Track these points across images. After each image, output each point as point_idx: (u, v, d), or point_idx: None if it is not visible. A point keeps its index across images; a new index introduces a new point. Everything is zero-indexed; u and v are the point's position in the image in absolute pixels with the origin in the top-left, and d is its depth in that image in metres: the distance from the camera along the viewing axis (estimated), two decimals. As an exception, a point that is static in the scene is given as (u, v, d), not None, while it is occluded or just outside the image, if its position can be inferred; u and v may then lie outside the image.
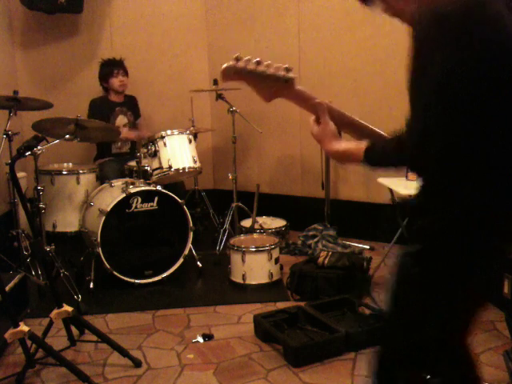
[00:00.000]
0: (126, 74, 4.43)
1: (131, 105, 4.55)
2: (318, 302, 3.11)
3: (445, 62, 1.19)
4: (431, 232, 1.30)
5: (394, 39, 3.62)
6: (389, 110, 3.93)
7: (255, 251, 3.59)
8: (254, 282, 3.60)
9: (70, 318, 2.68)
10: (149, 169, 3.80)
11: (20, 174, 3.99)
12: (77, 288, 3.35)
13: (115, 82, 4.38)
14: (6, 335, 2.36)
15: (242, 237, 3.91)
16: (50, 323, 2.68)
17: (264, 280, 3.60)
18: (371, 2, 1.37)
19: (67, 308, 2.64)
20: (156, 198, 3.64)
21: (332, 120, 1.51)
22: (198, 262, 3.82)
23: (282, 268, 3.73)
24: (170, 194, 3.65)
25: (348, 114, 1.52)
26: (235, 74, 1.39)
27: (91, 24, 4.83)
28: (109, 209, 3.47)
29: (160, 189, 3.64)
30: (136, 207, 3.59)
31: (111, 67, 4.38)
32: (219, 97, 4.21)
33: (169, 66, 5.02)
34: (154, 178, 3.77)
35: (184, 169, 3.80)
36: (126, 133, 4.34)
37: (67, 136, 3.27)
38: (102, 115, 4.01)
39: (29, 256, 3.62)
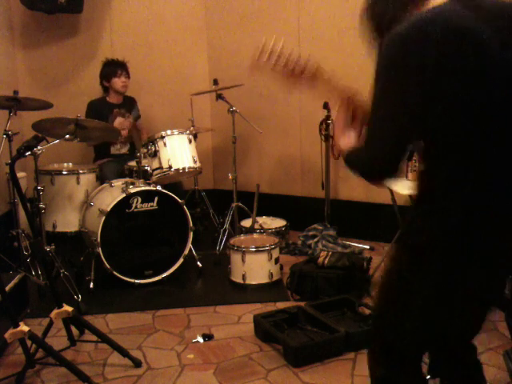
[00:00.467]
0: (128, 76, 4.43)
1: (130, 106, 4.54)
2: (318, 302, 3.11)
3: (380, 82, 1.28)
4: (431, 232, 1.30)
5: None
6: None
7: (255, 251, 3.59)
8: (253, 282, 3.60)
9: (70, 318, 2.68)
10: (149, 169, 3.80)
11: (20, 174, 3.99)
12: (77, 288, 3.35)
13: (118, 82, 4.38)
14: (6, 335, 2.36)
15: (242, 237, 3.91)
16: (50, 323, 2.68)
17: (264, 280, 3.60)
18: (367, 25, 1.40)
19: (67, 308, 2.64)
20: (156, 198, 3.64)
21: (355, 114, 1.54)
22: (198, 262, 3.82)
23: (281, 268, 3.73)
24: (170, 194, 3.65)
25: None
26: (266, 57, 1.51)
27: (91, 24, 4.83)
28: (109, 209, 3.47)
29: (160, 189, 3.64)
30: (136, 207, 3.59)
31: (115, 67, 4.38)
32: (219, 97, 4.21)
33: (169, 66, 5.02)
34: (154, 178, 3.77)
35: (184, 169, 3.80)
36: (119, 123, 4.32)
37: (67, 136, 3.26)
38: (100, 117, 4.01)
39: (29, 256, 3.62)
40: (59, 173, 3.98)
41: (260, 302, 3.37)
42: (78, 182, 3.97)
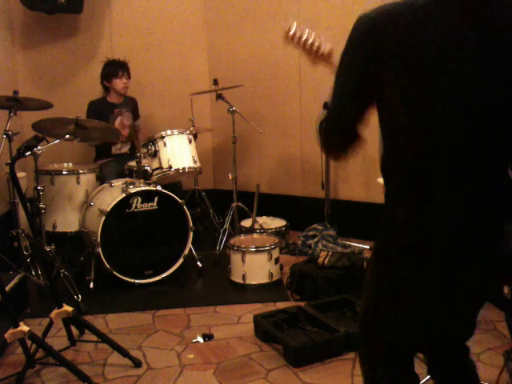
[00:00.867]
0: (129, 76, 4.43)
1: (130, 106, 4.55)
2: (318, 302, 3.12)
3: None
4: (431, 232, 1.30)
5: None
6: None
7: (255, 251, 3.59)
8: (253, 282, 3.60)
9: (70, 318, 2.68)
10: (149, 169, 3.80)
11: (20, 174, 3.99)
12: (77, 288, 3.35)
13: (118, 83, 4.37)
14: (6, 335, 2.36)
15: (242, 237, 3.91)
16: (50, 323, 2.68)
17: (264, 280, 3.60)
18: None
19: (67, 308, 2.64)
20: (156, 198, 3.64)
21: None
22: (198, 262, 3.82)
23: (281, 268, 3.73)
24: (170, 194, 3.65)
25: None
26: (292, 39, 1.63)
27: (91, 24, 4.83)
28: (109, 209, 3.47)
29: (160, 189, 3.64)
30: (136, 207, 3.59)
31: (116, 68, 4.37)
32: (219, 97, 4.21)
33: (169, 66, 5.02)
34: (154, 178, 3.76)
35: (184, 169, 3.80)
36: (119, 124, 4.33)
37: (67, 136, 3.26)
38: (101, 117, 4.01)
39: (29, 256, 3.62)
40: (59, 173, 3.98)
41: (260, 302, 3.37)
42: (78, 182, 3.97)
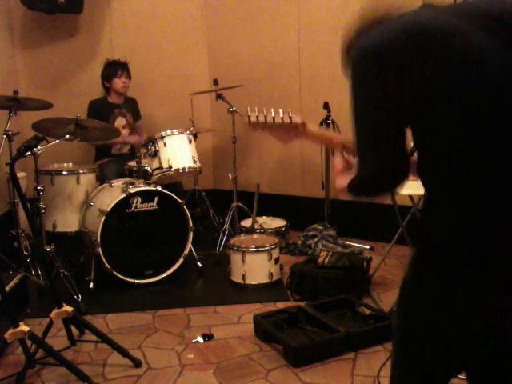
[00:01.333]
0: (129, 76, 4.44)
1: (131, 106, 4.55)
2: (318, 302, 3.12)
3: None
4: (432, 234, 1.30)
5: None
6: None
7: (255, 251, 3.59)
8: (254, 282, 3.60)
9: (70, 318, 2.68)
10: (149, 169, 3.80)
11: (20, 174, 3.99)
12: (77, 288, 3.35)
13: (118, 83, 4.38)
14: (6, 335, 2.36)
15: (242, 237, 3.91)
16: (50, 323, 2.68)
17: (264, 280, 3.60)
18: None
19: (67, 308, 2.64)
20: (156, 198, 3.64)
21: (351, 152, 1.56)
22: (198, 262, 3.82)
23: (281, 268, 3.73)
24: (170, 194, 3.65)
25: None
26: (253, 126, 1.57)
27: (91, 24, 4.83)
28: (109, 209, 3.47)
29: (160, 189, 3.64)
30: (136, 207, 3.59)
31: (116, 68, 4.39)
32: (219, 97, 4.21)
33: (169, 66, 5.02)
34: (154, 178, 3.76)
35: (184, 169, 3.80)
36: (125, 136, 4.34)
37: (67, 136, 3.26)
38: (101, 117, 4.02)
39: (29, 256, 3.61)
40: (59, 173, 3.98)
41: (260, 302, 3.37)
42: (78, 182, 3.97)
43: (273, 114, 1.55)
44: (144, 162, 3.84)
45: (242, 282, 3.61)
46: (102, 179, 4.09)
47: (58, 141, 3.28)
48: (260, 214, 4.44)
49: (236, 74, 4.82)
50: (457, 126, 1.25)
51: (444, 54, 1.22)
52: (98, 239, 3.45)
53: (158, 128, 4.18)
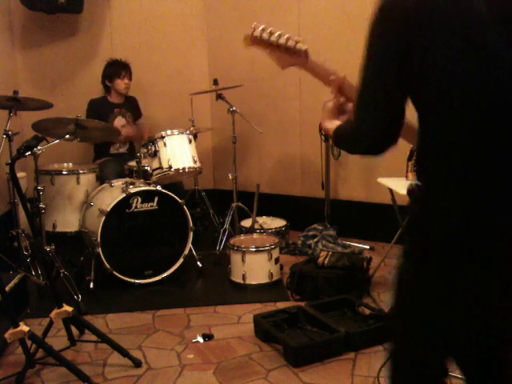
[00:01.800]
0: (130, 77, 4.44)
1: (131, 106, 4.55)
2: (318, 302, 3.12)
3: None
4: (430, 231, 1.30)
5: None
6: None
7: (255, 251, 3.59)
8: (254, 282, 3.60)
9: (70, 318, 2.68)
10: (149, 169, 3.80)
11: (20, 174, 3.99)
12: (77, 288, 3.35)
13: (120, 84, 4.39)
14: (6, 335, 2.36)
15: (242, 237, 3.91)
16: (50, 323, 2.68)
17: (264, 280, 3.60)
18: None
19: (67, 308, 2.64)
20: (156, 198, 3.64)
21: (346, 96, 1.54)
22: (198, 262, 3.81)
23: (281, 268, 3.73)
24: (170, 194, 3.65)
25: None
26: (253, 41, 1.54)
27: (91, 24, 4.83)
28: (109, 209, 3.47)
29: (160, 189, 3.64)
30: (136, 207, 3.59)
31: (119, 69, 4.39)
32: (219, 97, 4.21)
33: (169, 66, 5.02)
34: (154, 178, 3.76)
35: (184, 169, 3.80)
36: (125, 131, 4.33)
37: (67, 136, 3.27)
38: (101, 116, 4.02)
39: (29, 256, 3.61)
40: (59, 173, 3.98)
41: (260, 302, 3.37)
42: (78, 182, 3.97)
43: (278, 33, 1.51)
44: (144, 162, 3.84)
45: (242, 281, 3.61)
46: (101, 179, 4.08)
47: (57, 141, 3.28)
48: (260, 214, 4.44)
49: (236, 74, 4.82)
50: (457, 126, 1.25)
51: (444, 54, 1.22)
52: (98, 239, 3.45)
53: (158, 128, 4.17)
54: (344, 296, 3.17)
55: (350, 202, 4.54)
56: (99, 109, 4.32)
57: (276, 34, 1.50)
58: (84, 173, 4.01)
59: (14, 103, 3.52)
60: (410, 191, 1.39)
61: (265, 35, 1.51)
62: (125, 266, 3.55)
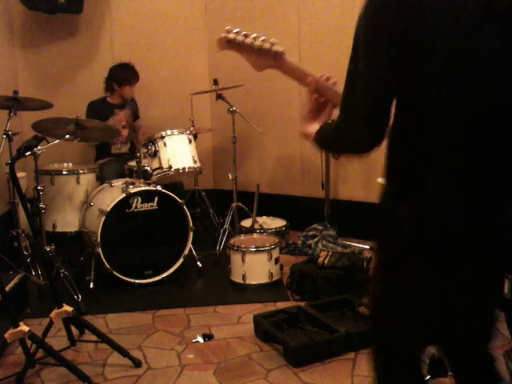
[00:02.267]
0: (137, 82, 4.45)
1: (130, 107, 4.54)
2: (318, 302, 3.12)
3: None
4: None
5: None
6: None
7: (255, 251, 3.59)
8: (254, 282, 3.60)
9: (70, 318, 2.68)
10: (149, 169, 3.81)
11: (20, 174, 3.99)
12: (77, 288, 3.35)
13: (129, 92, 4.40)
14: (6, 335, 2.36)
15: (242, 237, 3.91)
16: (50, 323, 2.68)
17: (264, 280, 3.60)
18: None
19: (67, 308, 2.64)
20: (156, 198, 3.64)
21: (324, 97, 1.52)
22: (198, 262, 3.81)
23: (281, 268, 3.73)
24: (170, 194, 3.65)
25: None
26: (227, 44, 1.51)
27: (91, 24, 4.83)
28: (109, 209, 3.47)
29: (160, 189, 3.64)
30: (136, 207, 3.59)
31: (131, 76, 4.38)
32: (219, 97, 4.21)
33: (169, 66, 5.02)
34: (154, 178, 3.76)
35: (184, 169, 3.80)
36: (116, 120, 4.30)
37: (67, 136, 3.26)
38: (100, 117, 4.01)
39: (29, 256, 3.61)
40: (59, 173, 3.98)
41: (260, 302, 3.37)
42: (78, 182, 3.97)
43: (253, 35, 1.47)
44: (144, 162, 3.84)
45: (242, 282, 3.61)
46: (101, 179, 4.09)
47: (57, 141, 3.28)
48: (260, 214, 4.44)
49: (236, 74, 4.81)
50: (457, 126, 1.25)
51: (443, 55, 1.22)
52: (98, 239, 3.45)
53: (158, 128, 4.17)
54: (344, 296, 3.17)
55: (350, 202, 4.54)
56: (99, 110, 4.32)
57: (251, 37, 1.47)
58: (84, 173, 4.02)
59: (14, 103, 3.52)
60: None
61: (239, 38, 1.48)
62: (125, 266, 3.55)
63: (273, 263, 3.61)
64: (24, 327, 2.37)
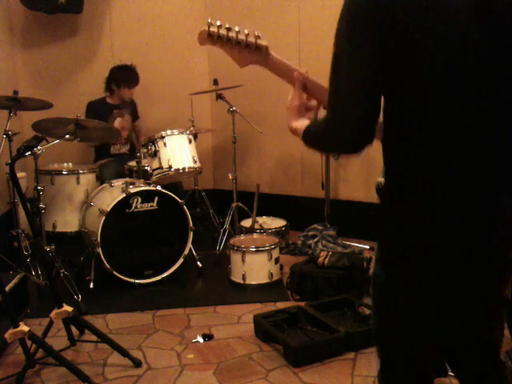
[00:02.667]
0: (137, 85, 4.43)
1: (129, 107, 4.55)
2: (318, 302, 3.12)
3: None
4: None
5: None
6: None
7: (255, 251, 3.59)
8: (254, 282, 3.60)
9: (70, 318, 2.68)
10: (149, 169, 3.81)
11: (20, 174, 3.99)
12: (77, 288, 3.35)
13: (127, 93, 4.39)
14: (6, 335, 2.36)
15: (242, 237, 3.91)
16: (50, 323, 2.68)
17: (264, 280, 3.60)
18: None
19: (67, 308, 2.64)
20: (156, 198, 3.64)
21: (310, 93, 1.48)
22: (198, 262, 3.81)
23: (281, 268, 3.73)
24: (170, 194, 3.65)
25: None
26: (209, 38, 1.41)
27: (91, 24, 4.83)
28: (109, 209, 3.47)
29: (160, 189, 3.64)
30: (136, 207, 3.59)
31: (130, 78, 4.36)
32: (219, 97, 4.21)
33: (169, 66, 5.02)
34: (154, 178, 3.76)
35: (184, 169, 3.80)
36: (118, 123, 4.31)
37: (67, 136, 3.27)
38: (99, 118, 4.01)
39: (29, 256, 3.61)
40: (59, 173, 3.98)
41: (260, 302, 3.37)
42: (78, 182, 3.97)
43: (237, 29, 1.40)
44: (144, 162, 3.85)
45: (242, 282, 3.61)
46: (101, 179, 4.09)
47: (57, 141, 3.28)
48: (260, 214, 4.44)
49: (236, 74, 4.79)
50: (457, 127, 1.25)
51: (444, 53, 1.22)
52: (98, 239, 3.45)
53: (158, 128, 4.18)
54: (344, 296, 3.17)
55: (350, 202, 4.54)
56: (98, 110, 4.32)
57: (234, 30, 1.40)
58: (84, 173, 4.02)
59: (14, 103, 3.52)
60: (379, 190, 1.36)
61: (222, 31, 1.39)
62: (125, 266, 3.55)
63: (273, 263, 3.61)
64: (24, 327, 2.37)
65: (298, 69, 1.48)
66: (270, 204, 4.68)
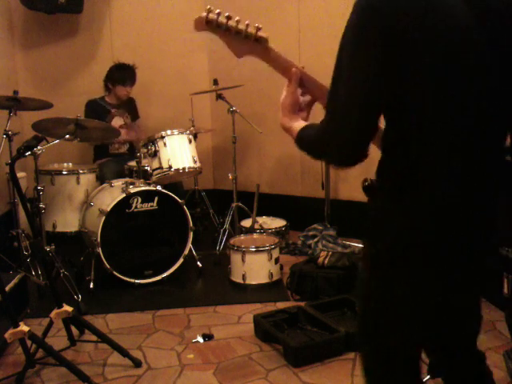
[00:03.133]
0: (133, 84, 4.42)
1: (129, 106, 4.55)
2: (318, 302, 3.12)
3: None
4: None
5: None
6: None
7: (255, 251, 3.59)
8: (254, 282, 3.60)
9: (70, 318, 2.68)
10: (149, 169, 3.80)
11: (20, 174, 3.99)
12: (77, 288, 3.35)
13: (122, 91, 4.38)
14: (6, 335, 2.36)
15: (242, 237, 3.91)
16: (50, 323, 2.68)
17: (264, 280, 3.60)
18: None
19: (67, 308, 2.64)
20: (156, 198, 3.64)
21: (306, 89, 1.47)
22: (198, 262, 3.81)
23: (281, 268, 3.73)
24: (170, 194, 3.65)
25: (325, 84, 1.45)
26: (207, 25, 1.39)
27: (91, 24, 4.83)
28: (109, 209, 3.47)
29: (160, 189, 3.64)
30: (136, 207, 3.59)
31: (124, 76, 4.36)
32: (219, 97, 4.21)
33: (169, 66, 5.02)
34: (154, 178, 3.76)
35: (184, 169, 3.80)
36: (124, 134, 4.33)
37: (67, 136, 3.27)
38: (98, 117, 4.01)
39: (29, 256, 3.61)
40: (59, 173, 3.98)
41: (260, 302, 3.37)
42: (78, 182, 3.97)
43: (237, 18, 1.38)
44: (144, 162, 3.84)
45: (242, 281, 3.61)
46: (101, 179, 4.09)
47: (57, 141, 3.28)
48: (260, 214, 4.44)
49: (236, 74, 4.82)
50: (457, 127, 1.25)
51: (443, 57, 1.22)
52: (98, 239, 3.45)
53: (158, 128, 4.17)
54: (344, 296, 3.17)
55: (350, 202, 4.54)
56: (97, 109, 4.32)
57: (235, 19, 1.39)
58: (84, 173, 4.02)
59: (14, 103, 3.52)
60: (367, 187, 1.34)
61: (222, 19, 1.37)
62: (125, 266, 3.55)
63: (273, 263, 3.61)
64: (24, 327, 2.37)
65: (296, 66, 1.47)
66: (270, 204, 4.68)
